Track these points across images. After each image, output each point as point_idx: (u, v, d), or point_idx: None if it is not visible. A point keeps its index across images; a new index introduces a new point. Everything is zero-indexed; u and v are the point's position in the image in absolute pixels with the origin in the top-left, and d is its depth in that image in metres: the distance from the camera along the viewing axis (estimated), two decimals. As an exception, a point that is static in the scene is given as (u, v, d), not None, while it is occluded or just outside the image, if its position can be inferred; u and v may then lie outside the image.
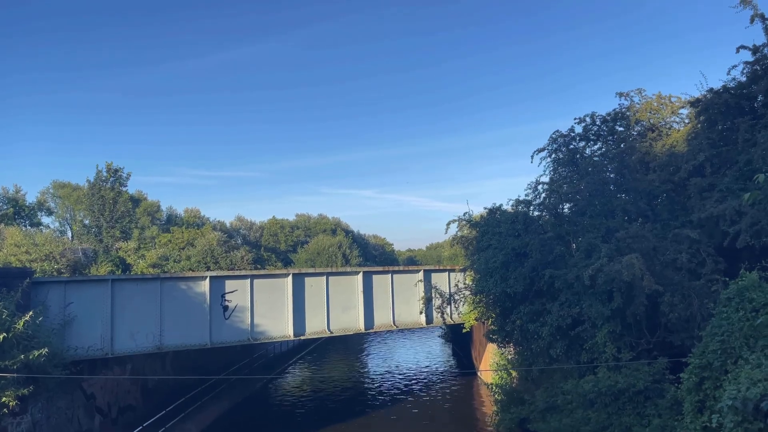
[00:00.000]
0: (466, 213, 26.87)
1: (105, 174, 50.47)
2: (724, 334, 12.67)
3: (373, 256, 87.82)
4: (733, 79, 20.31)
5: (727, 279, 15.37)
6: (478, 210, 29.74)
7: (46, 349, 19.24)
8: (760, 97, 19.47)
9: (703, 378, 12.76)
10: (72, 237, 50.23)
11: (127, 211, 50.14)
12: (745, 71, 19.93)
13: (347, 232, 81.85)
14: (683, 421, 13.84)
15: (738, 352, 12.08)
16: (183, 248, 44.87)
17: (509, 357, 29.01)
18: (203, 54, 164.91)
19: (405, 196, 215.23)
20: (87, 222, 50.28)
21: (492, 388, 29.79)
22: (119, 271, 38.93)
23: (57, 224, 53.51)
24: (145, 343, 25.23)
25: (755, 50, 19.52)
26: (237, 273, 29.94)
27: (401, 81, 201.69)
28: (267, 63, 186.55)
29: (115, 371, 26.02)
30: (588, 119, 25.38)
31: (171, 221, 56.02)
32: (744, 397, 9.35)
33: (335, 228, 79.53)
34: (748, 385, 9.74)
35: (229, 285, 27.66)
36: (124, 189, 51.49)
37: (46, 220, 52.30)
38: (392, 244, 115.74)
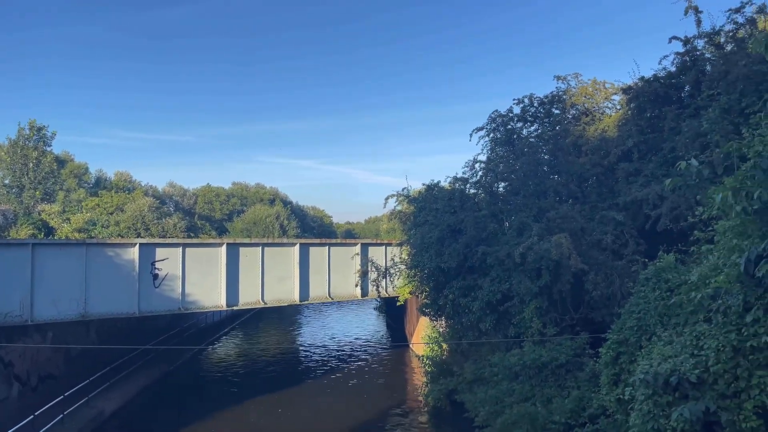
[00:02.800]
0: (404, 188, 27.15)
1: (28, 132, 47.60)
2: (640, 312, 13.38)
3: (312, 228, 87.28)
4: (664, 68, 21.10)
5: (647, 260, 16.15)
6: (416, 185, 30.08)
7: (-42, 315, 18.19)
8: (687, 88, 20.35)
9: (619, 353, 13.46)
10: (-11, 197, 47.33)
11: (51, 172, 47.60)
12: (675, 62, 20.72)
13: (285, 202, 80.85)
14: (599, 392, 14.62)
15: (652, 329, 12.79)
16: (112, 213, 43.20)
17: (441, 330, 29.72)
18: (138, 10, 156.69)
19: (345, 169, 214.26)
20: (7, 182, 47.45)
21: (423, 360, 30.48)
22: (41, 235, 37.07)
23: (-28, 183, 50.23)
24: (68, 311, 24.27)
25: (686, 41, 20.31)
26: (168, 241, 29.17)
27: (343, 57, 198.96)
28: (205, 25, 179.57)
29: (35, 339, 24.92)
30: (526, 100, 25.86)
31: (100, 184, 53.63)
32: (655, 372, 9.89)
33: (273, 198, 78.34)
34: (659, 360, 10.32)
35: (160, 253, 26.90)
36: (48, 149, 48.80)
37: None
38: (331, 217, 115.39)
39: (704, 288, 10.30)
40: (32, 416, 20.99)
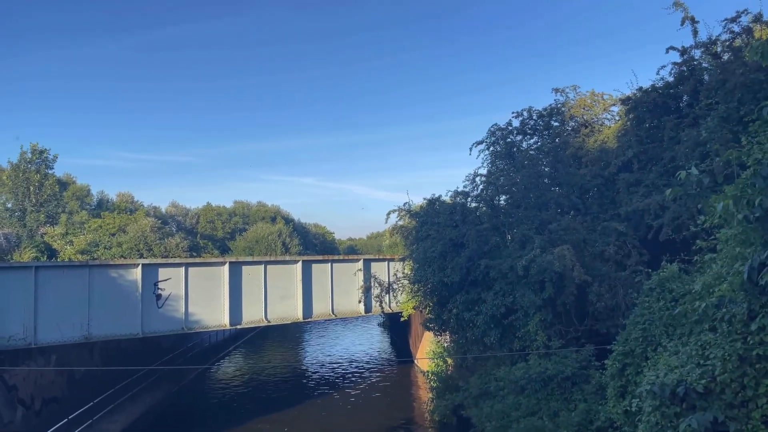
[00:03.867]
0: (406, 203, 27.14)
1: (30, 155, 47.88)
2: (645, 322, 13.33)
3: (314, 245, 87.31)
4: (662, 79, 21.21)
5: (650, 270, 16.09)
6: (418, 200, 30.10)
7: (-38, 340, 18.15)
8: (685, 98, 20.45)
9: (625, 364, 13.38)
10: (-8, 221, 47.45)
11: (53, 194, 47.79)
12: (672, 72, 20.84)
13: (287, 220, 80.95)
14: (606, 405, 14.51)
15: (658, 340, 12.74)
16: (114, 234, 43.26)
17: (445, 345, 29.57)
18: (135, 31, 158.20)
19: (346, 185, 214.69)
20: (9, 205, 47.60)
21: (428, 375, 30.28)
22: (44, 258, 37.13)
23: (-25, 207, 50.38)
24: (72, 333, 24.22)
25: (683, 52, 20.44)
26: (171, 261, 29.15)
27: (342, 72, 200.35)
28: (205, 44, 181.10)
29: (39, 362, 24.82)
30: (525, 113, 25.96)
31: (102, 206, 53.79)
32: (662, 383, 9.83)
33: (275, 216, 78.47)
34: (665, 371, 10.26)
35: (163, 273, 26.87)
36: (50, 171, 49.06)
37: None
38: (333, 233, 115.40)
39: (708, 297, 10.27)
40: (36, 440, 20.84)
